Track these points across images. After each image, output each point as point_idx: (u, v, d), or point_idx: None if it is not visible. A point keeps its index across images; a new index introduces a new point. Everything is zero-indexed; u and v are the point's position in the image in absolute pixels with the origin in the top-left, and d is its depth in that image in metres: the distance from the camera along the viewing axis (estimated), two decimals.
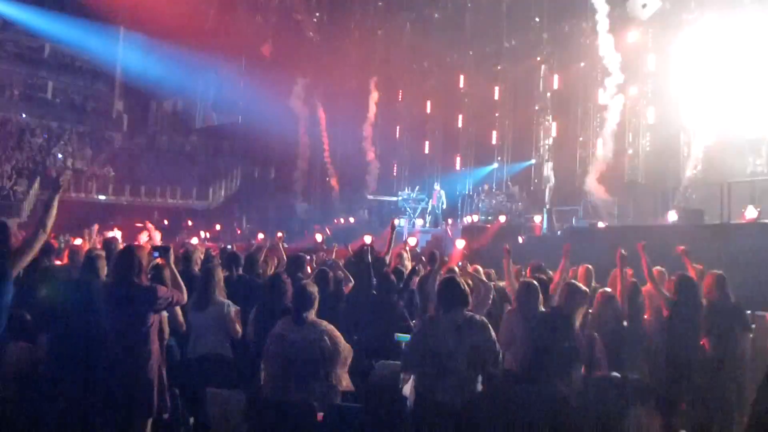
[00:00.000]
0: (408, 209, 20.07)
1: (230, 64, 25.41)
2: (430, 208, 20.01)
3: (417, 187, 21.53)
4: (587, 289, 5.18)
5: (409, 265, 8.44)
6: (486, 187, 19.42)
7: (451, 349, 3.98)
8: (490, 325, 4.15)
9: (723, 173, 13.94)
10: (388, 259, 8.01)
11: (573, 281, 5.39)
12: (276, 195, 27.91)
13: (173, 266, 4.93)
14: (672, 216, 11.37)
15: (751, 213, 10.85)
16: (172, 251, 5.04)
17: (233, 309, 5.37)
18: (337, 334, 4.41)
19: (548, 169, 19.80)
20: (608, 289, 5.67)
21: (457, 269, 7.61)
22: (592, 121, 18.78)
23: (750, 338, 6.09)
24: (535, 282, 5.34)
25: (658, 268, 6.38)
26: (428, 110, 24.69)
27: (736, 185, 12.37)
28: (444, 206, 20.08)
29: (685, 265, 6.21)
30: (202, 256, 7.43)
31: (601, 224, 14.15)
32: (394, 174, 25.31)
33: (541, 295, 5.20)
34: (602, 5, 16.46)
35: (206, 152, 34.69)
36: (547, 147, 20.15)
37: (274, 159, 30.82)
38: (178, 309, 5.08)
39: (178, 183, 31.17)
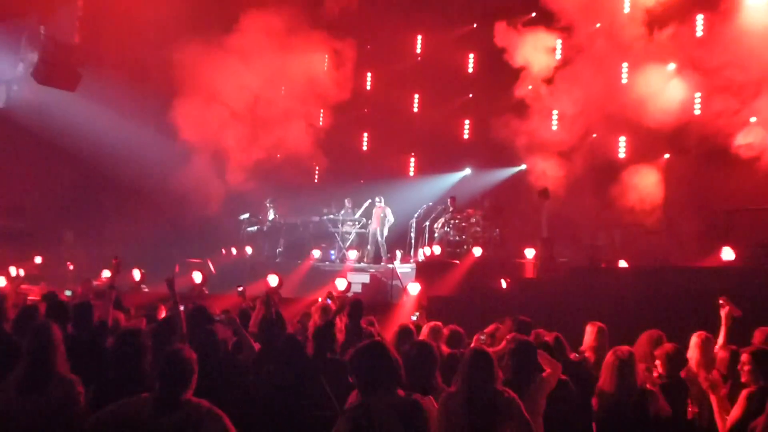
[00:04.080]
0: (336, 235, 20.03)
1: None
2: (369, 234, 20.03)
3: (346, 202, 21.40)
4: None
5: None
6: (452, 203, 19.37)
7: None
8: None
9: None
10: None
11: None
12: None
13: None
14: (727, 253, 11.78)
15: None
16: None
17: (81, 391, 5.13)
18: (227, 422, 4.35)
19: (546, 179, 19.74)
20: None
21: (411, 327, 7.67)
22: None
23: None
24: (485, 350, 5.40)
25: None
26: (368, 86, 24.86)
27: None
28: (389, 231, 20.14)
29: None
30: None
31: (623, 263, 14.48)
32: (315, 181, 25.18)
33: (497, 370, 5.24)
34: None
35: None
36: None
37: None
38: None
39: None
